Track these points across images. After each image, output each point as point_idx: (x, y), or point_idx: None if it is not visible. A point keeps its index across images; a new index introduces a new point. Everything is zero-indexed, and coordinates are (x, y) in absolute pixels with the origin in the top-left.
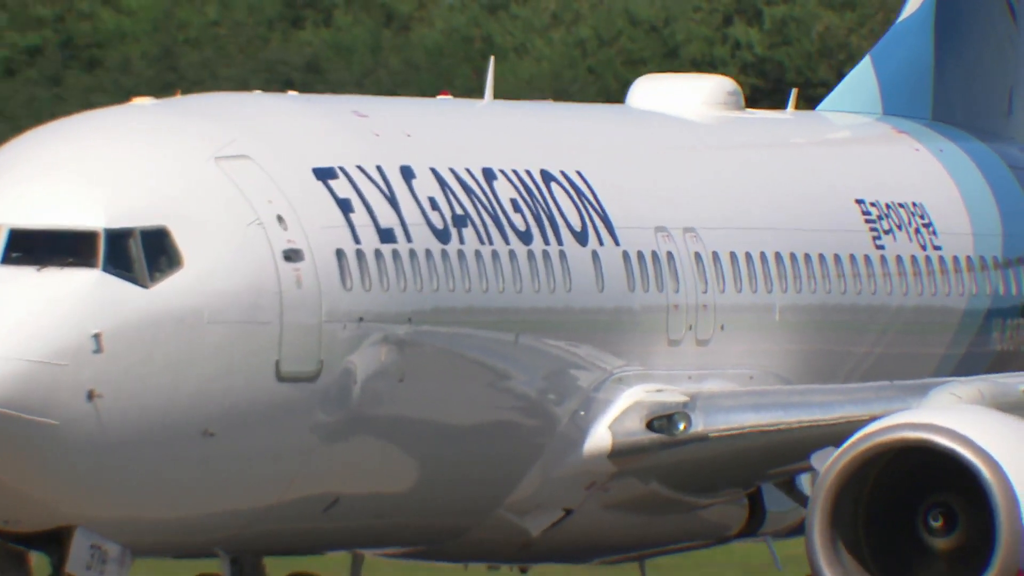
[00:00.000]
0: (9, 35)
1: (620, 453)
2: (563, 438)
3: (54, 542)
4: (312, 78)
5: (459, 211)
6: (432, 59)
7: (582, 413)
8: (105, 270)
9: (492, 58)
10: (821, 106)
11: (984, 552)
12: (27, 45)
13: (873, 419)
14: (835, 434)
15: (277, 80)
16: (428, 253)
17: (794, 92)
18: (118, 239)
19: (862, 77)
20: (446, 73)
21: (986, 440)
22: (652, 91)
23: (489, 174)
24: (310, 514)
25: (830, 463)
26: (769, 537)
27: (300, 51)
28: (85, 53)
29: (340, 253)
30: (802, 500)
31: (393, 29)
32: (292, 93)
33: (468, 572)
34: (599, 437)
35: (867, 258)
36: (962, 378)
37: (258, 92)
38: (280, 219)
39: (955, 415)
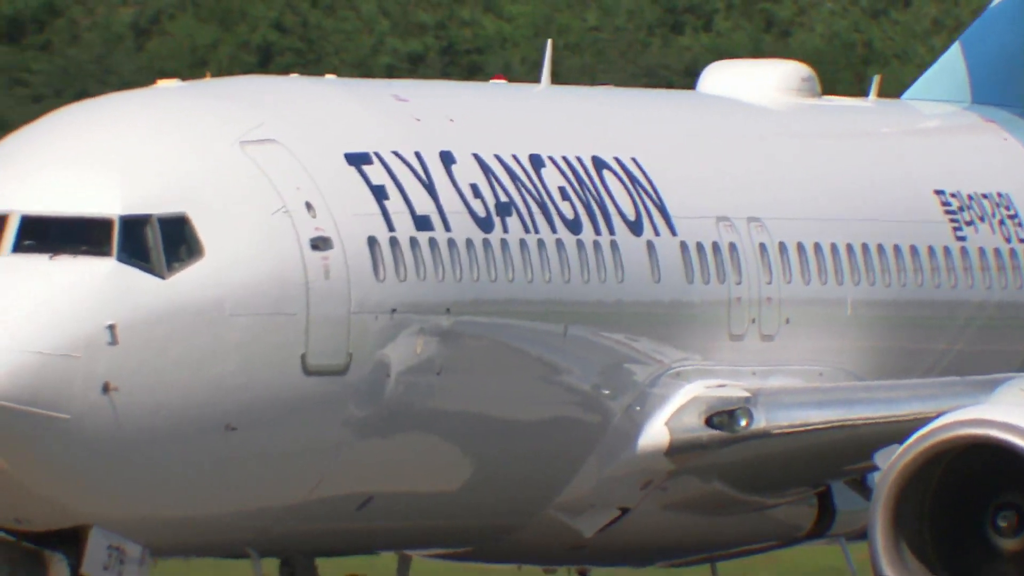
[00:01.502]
0: (391, 41)
1: (678, 450)
2: (617, 434)
3: (70, 542)
4: (692, 83)
5: (503, 199)
6: (812, 65)
7: (637, 408)
8: (120, 259)
9: (549, 42)
10: (907, 94)
11: None
12: (409, 51)
13: (939, 416)
14: (902, 431)
15: (657, 86)
16: (469, 242)
17: (877, 79)
18: (134, 226)
19: (951, 64)
20: (827, 78)
21: None
22: (723, 76)
23: (537, 161)
24: (342, 513)
25: (892, 461)
26: (843, 538)
27: (680, 56)
28: (466, 59)
29: (372, 241)
30: None
31: (774, 34)
32: (330, 76)
33: (523, 573)
34: (656, 433)
35: (946, 250)
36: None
37: (294, 75)
38: (308, 206)
39: (1020, 411)
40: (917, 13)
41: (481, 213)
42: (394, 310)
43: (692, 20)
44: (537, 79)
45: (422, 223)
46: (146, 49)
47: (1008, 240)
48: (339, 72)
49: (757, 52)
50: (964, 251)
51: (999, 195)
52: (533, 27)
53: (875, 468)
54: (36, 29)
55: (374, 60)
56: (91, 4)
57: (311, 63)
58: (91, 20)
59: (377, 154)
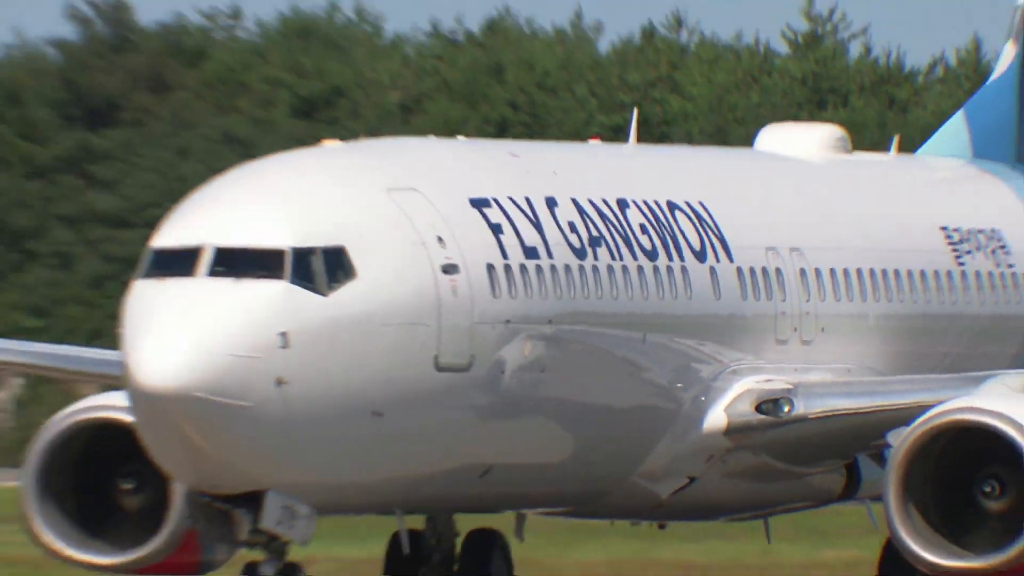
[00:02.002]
0: (599, 117)
1: (734, 431)
2: (686, 419)
3: (251, 502)
4: None
5: (595, 233)
6: (922, 135)
7: (702, 398)
8: (291, 281)
9: (636, 109)
10: (921, 150)
11: None
12: (612, 124)
13: (938, 404)
14: (909, 415)
15: None
16: (567, 268)
17: (896, 139)
18: (302, 256)
19: (956, 127)
20: None
21: None
22: (774, 136)
23: (622, 203)
24: (468, 480)
25: (901, 439)
26: (868, 500)
27: None
28: (657, 130)
29: (490, 267)
30: None
31: (895, 111)
32: (460, 137)
33: (614, 527)
34: (716, 418)
35: (949, 273)
36: (1013, 371)
37: (431, 137)
38: (440, 240)
39: (1001, 400)
40: None
41: (577, 245)
42: (507, 321)
43: (833, 99)
44: (710, 144)
45: (530, 253)
46: (411, 124)
47: (998, 266)
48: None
49: (882, 125)
50: (963, 274)
51: (992, 230)
52: (708, 104)
53: (888, 445)
54: (326, 107)
55: (585, 131)
56: (368, 89)
57: (536, 134)
58: (368, 101)
59: (495, 199)
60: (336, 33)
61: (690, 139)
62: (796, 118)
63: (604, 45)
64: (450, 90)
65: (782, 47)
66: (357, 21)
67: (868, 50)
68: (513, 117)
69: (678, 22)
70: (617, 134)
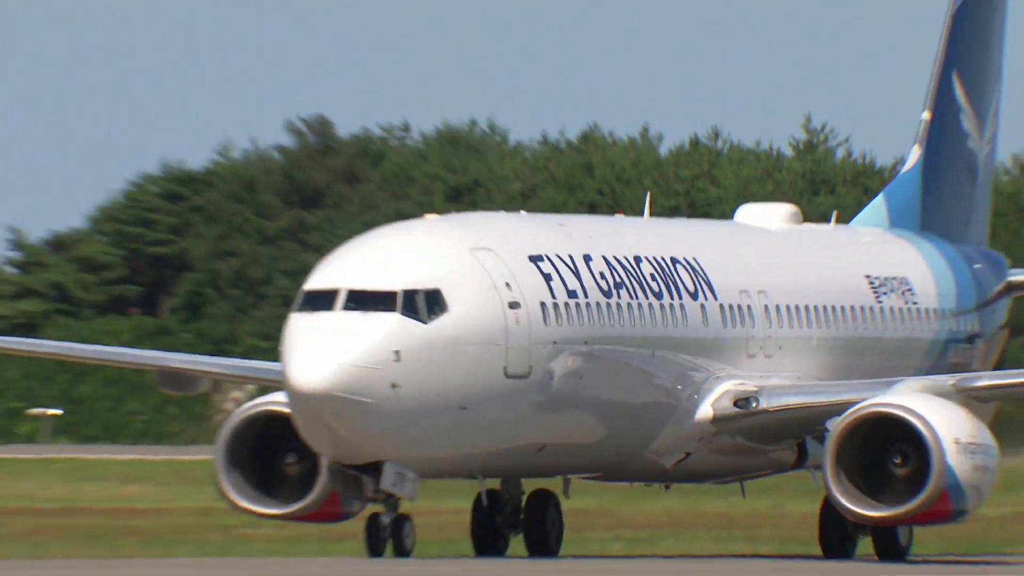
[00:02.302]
0: (661, 200)
1: (717, 420)
2: (683, 411)
3: (374, 470)
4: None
5: (618, 280)
6: None
7: (695, 396)
8: (402, 313)
9: (648, 194)
10: (852, 221)
11: (924, 477)
12: (669, 205)
13: (861, 401)
14: (841, 409)
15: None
16: (598, 304)
17: (835, 213)
18: (410, 296)
19: (878, 205)
20: None
21: (923, 411)
22: (748, 213)
23: (638, 259)
24: (528, 454)
25: (835, 426)
26: (812, 469)
27: (818, 206)
28: (700, 211)
29: (543, 304)
30: None
31: (869, 196)
32: (522, 212)
33: (632, 488)
34: (705, 411)
35: (871, 308)
36: (914, 378)
37: (501, 211)
38: (507, 284)
39: (906, 398)
40: None
41: (605, 288)
42: (555, 342)
43: (824, 188)
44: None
45: (571, 294)
46: (527, 206)
47: (906, 303)
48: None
49: (860, 207)
50: (880, 309)
51: (902, 278)
52: (736, 192)
53: (827, 430)
54: (468, 194)
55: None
56: (498, 181)
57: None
58: (498, 189)
59: (546, 255)
60: (475, 141)
61: (723, 217)
62: (798, 202)
63: (663, 150)
64: (555, 182)
65: (788, 151)
66: (490, 132)
67: (849, 153)
68: (600, 201)
69: (715, 134)
70: (674, 212)
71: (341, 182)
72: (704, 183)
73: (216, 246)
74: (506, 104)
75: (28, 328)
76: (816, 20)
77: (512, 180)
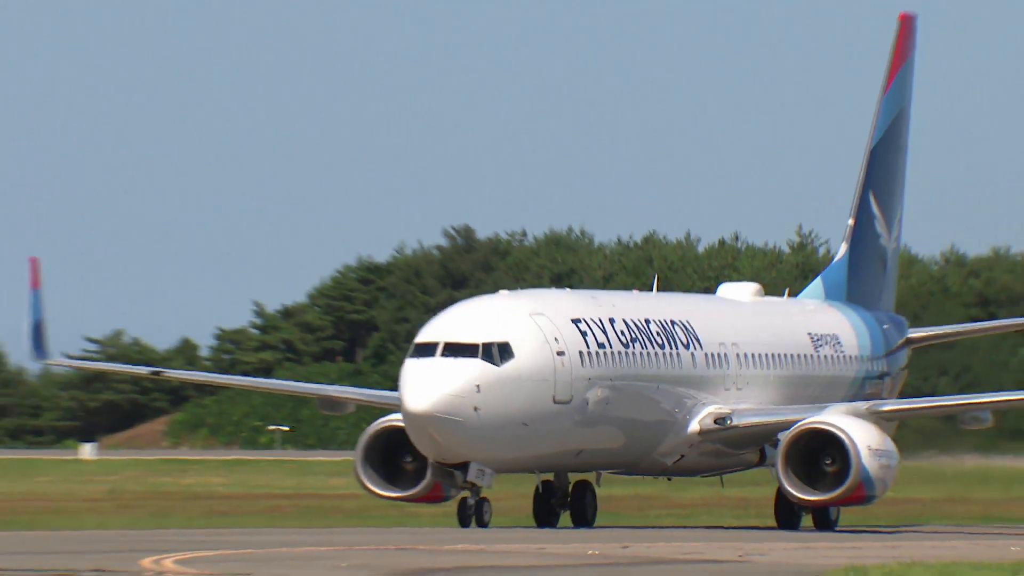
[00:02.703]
0: (698, 284)
1: (703, 433)
2: (679, 426)
3: (463, 467)
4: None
5: (633, 336)
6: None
7: (687, 416)
8: (482, 359)
9: (656, 276)
10: (799, 295)
11: (846, 472)
12: (703, 287)
13: (803, 419)
14: (790, 424)
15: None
16: (620, 353)
17: (787, 290)
18: (487, 347)
19: (816, 284)
20: None
21: (846, 426)
22: (727, 289)
23: (648, 321)
24: (570, 457)
25: (785, 437)
26: (770, 467)
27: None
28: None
29: (581, 353)
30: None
31: None
32: (567, 288)
33: (644, 480)
34: (694, 426)
35: (811, 356)
36: (840, 403)
37: (553, 288)
38: (556, 339)
39: (834, 417)
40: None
41: (624, 341)
42: (589, 379)
43: (812, 274)
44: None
45: (600, 345)
46: (607, 288)
47: (835, 351)
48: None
49: None
50: (817, 356)
51: (833, 335)
52: (751, 278)
53: (779, 440)
54: (567, 279)
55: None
56: (588, 270)
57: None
58: (587, 276)
59: (583, 318)
60: (571, 241)
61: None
62: (793, 285)
63: (701, 248)
64: (626, 270)
65: (787, 249)
66: (581, 235)
67: (828, 250)
68: (659, 285)
69: (736, 237)
70: (705, 291)
71: (480, 270)
72: (729, 271)
73: (395, 315)
74: (592, 214)
75: (265, 371)
76: (804, 156)
77: (596, 269)
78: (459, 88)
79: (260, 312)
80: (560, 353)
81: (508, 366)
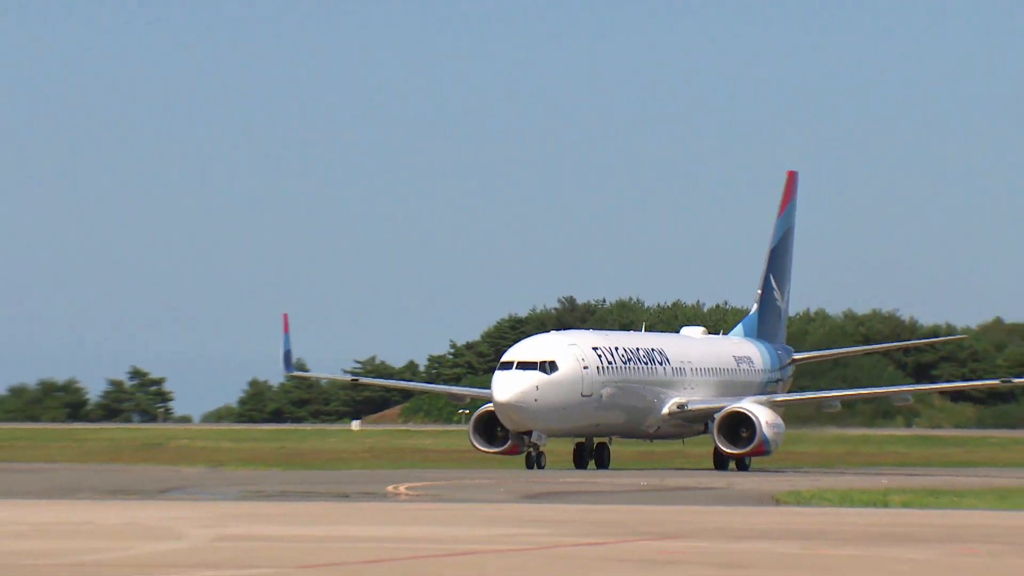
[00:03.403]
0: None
1: (671, 414)
2: (657, 410)
3: (529, 433)
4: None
5: (629, 357)
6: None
7: (662, 404)
8: (539, 371)
9: (644, 324)
10: (730, 333)
11: (753, 437)
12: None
13: (728, 405)
14: (721, 409)
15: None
16: (621, 367)
17: (723, 329)
18: (542, 363)
19: (738, 328)
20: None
21: (754, 410)
22: (686, 330)
23: (638, 348)
24: (592, 428)
25: (718, 416)
26: (712, 434)
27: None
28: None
29: (598, 367)
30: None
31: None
32: (591, 330)
33: (638, 442)
34: (665, 409)
35: (735, 369)
36: (751, 396)
37: (583, 329)
38: (583, 359)
39: (747, 404)
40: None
41: (624, 360)
42: (603, 383)
43: None
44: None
45: (610, 363)
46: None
47: (750, 367)
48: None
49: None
50: (739, 370)
51: (748, 357)
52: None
53: (714, 418)
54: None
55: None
56: (639, 324)
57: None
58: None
59: (600, 346)
60: (631, 304)
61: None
62: (724, 329)
63: (705, 308)
64: (662, 322)
65: (727, 306)
66: (637, 301)
67: (746, 308)
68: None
69: (726, 303)
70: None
71: (579, 323)
72: (692, 320)
73: None
74: (642, 287)
75: (456, 380)
76: (733, 256)
77: (643, 321)
78: (571, 196)
79: (453, 345)
80: (585, 367)
81: (555, 375)
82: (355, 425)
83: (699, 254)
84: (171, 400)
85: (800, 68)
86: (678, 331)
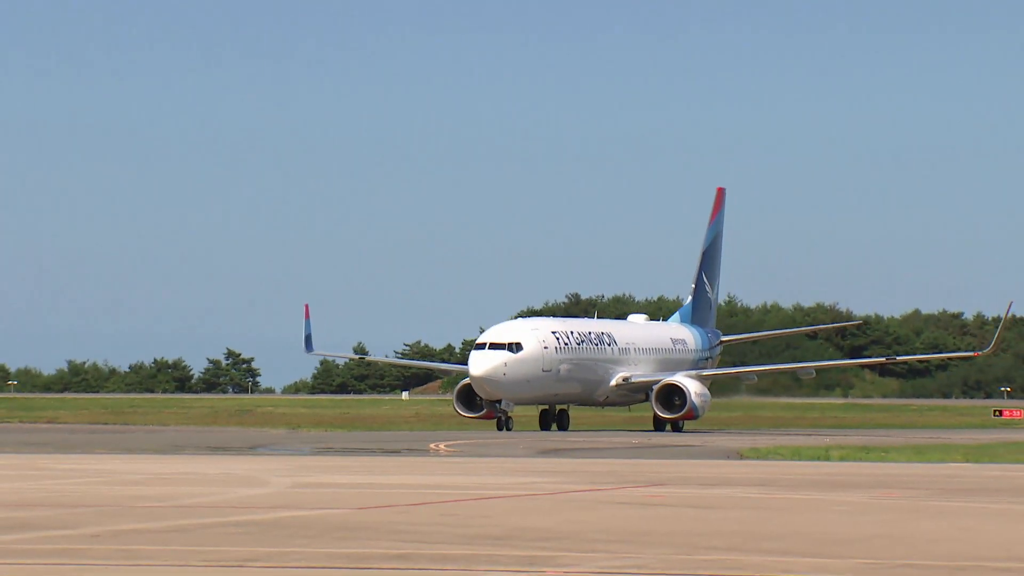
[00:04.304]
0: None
1: (619, 385)
2: (606, 382)
3: (499, 400)
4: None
5: (583, 340)
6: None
7: (610, 377)
8: (507, 351)
9: (596, 311)
10: (667, 321)
11: (684, 404)
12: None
13: (664, 378)
14: (658, 381)
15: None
16: (576, 346)
17: (663, 316)
18: (510, 344)
19: (676, 315)
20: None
21: (685, 382)
22: (632, 317)
23: (592, 332)
24: (552, 398)
25: (656, 387)
26: (652, 402)
27: (735, 325)
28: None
29: (555, 347)
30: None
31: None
32: (552, 316)
33: (592, 409)
34: (613, 381)
35: (671, 348)
36: (684, 371)
37: (544, 317)
38: (544, 340)
39: (679, 377)
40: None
41: (579, 341)
42: (560, 360)
43: None
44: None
45: (566, 344)
46: None
47: (685, 347)
48: None
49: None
50: (676, 348)
51: (683, 339)
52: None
53: (652, 388)
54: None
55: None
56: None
57: None
58: None
59: (559, 330)
60: (624, 299)
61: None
62: (664, 316)
63: (638, 299)
64: (645, 312)
65: (668, 298)
66: (629, 297)
67: (680, 298)
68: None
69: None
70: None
71: (583, 314)
72: (638, 309)
73: None
74: (632, 284)
75: None
76: (675, 256)
77: (634, 312)
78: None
79: (482, 330)
80: (546, 348)
81: (520, 354)
82: (404, 395)
83: (681, 255)
84: (258, 375)
85: (734, 102)
86: (625, 318)
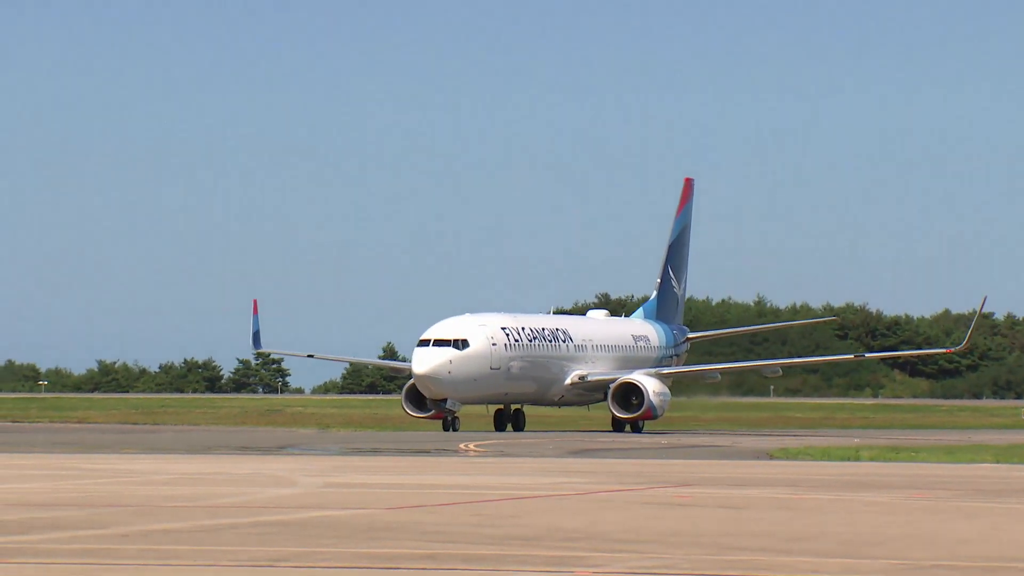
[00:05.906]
0: None
1: (574, 384)
2: (561, 380)
3: (445, 401)
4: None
5: (537, 336)
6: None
7: (565, 375)
8: (453, 347)
9: (552, 308)
10: (630, 317)
11: (643, 404)
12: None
13: (621, 377)
14: (615, 380)
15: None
16: (528, 344)
17: (624, 313)
18: (456, 341)
19: (639, 311)
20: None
21: (643, 381)
22: (593, 312)
23: (546, 328)
24: (502, 397)
25: (613, 386)
26: (609, 402)
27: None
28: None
29: (505, 343)
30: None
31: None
32: (502, 312)
33: (547, 408)
34: (568, 380)
35: (632, 346)
36: (643, 369)
37: (493, 312)
38: (492, 337)
39: (637, 376)
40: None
41: (530, 338)
42: (511, 358)
43: None
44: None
45: (517, 340)
46: None
47: (646, 344)
48: None
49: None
50: (636, 346)
51: (644, 335)
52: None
53: (609, 387)
54: None
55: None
56: None
57: None
58: None
59: (508, 326)
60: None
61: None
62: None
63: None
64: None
65: (634, 296)
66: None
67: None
68: None
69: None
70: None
71: (611, 312)
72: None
73: None
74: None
75: None
76: (643, 249)
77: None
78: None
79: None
80: (494, 344)
81: (466, 351)
82: None
83: (616, 263)
84: (288, 376)
85: (703, 93)
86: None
